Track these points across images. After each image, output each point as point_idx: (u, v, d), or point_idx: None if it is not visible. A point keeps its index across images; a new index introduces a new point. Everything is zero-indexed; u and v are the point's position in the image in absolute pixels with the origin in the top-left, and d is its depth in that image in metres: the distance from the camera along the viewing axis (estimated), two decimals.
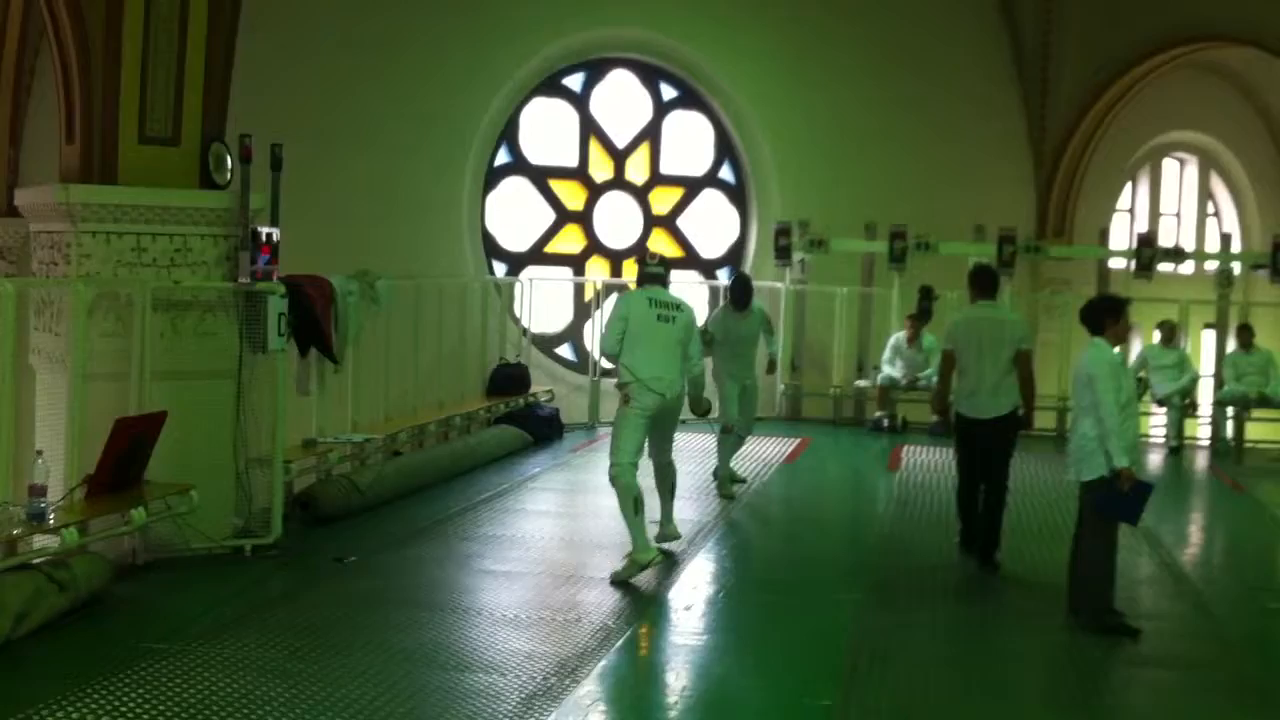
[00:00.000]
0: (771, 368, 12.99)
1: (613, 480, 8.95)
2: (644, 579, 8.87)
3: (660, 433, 9.38)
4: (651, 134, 18.51)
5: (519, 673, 6.86)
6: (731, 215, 19.02)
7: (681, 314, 9.24)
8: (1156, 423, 17.04)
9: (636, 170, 18.49)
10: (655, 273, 9.42)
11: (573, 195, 18.20)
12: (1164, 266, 17.96)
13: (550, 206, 18.06)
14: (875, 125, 18.77)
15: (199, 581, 8.61)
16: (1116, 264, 18.66)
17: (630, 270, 18.19)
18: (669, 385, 9.08)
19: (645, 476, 9.25)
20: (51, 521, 7.64)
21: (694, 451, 13.23)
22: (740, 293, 12.15)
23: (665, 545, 9.55)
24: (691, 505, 11.35)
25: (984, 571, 9.67)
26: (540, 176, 17.95)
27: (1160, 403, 16.46)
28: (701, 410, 9.82)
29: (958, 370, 9.93)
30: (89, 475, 8.25)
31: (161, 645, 7.06)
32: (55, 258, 9.16)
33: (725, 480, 12.08)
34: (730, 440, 12.09)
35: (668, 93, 18.51)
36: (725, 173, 18.93)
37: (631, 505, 8.85)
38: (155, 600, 8.27)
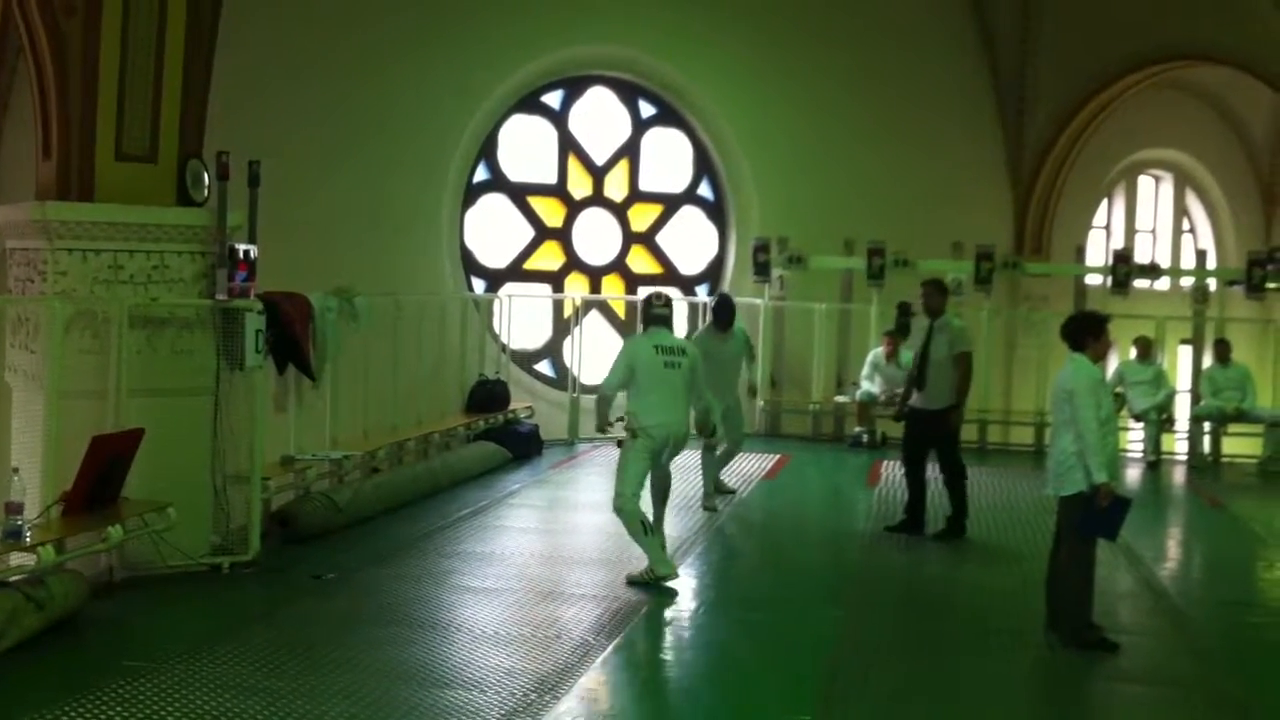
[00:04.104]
0: (751, 392, 12.89)
1: (617, 511, 9.22)
2: (626, 594, 8.86)
3: (666, 454, 9.59)
4: (630, 151, 18.53)
5: (499, 689, 6.84)
6: (710, 232, 19.06)
7: (687, 358, 9.40)
8: (1134, 438, 17.11)
9: (615, 187, 18.51)
10: (661, 314, 9.51)
11: (551, 212, 18.20)
12: (1140, 283, 18.08)
13: (529, 223, 18.06)
14: (854, 143, 18.83)
15: (176, 599, 8.58)
16: (1093, 280, 18.78)
17: (609, 287, 18.26)
18: (676, 427, 9.33)
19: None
20: (28, 539, 7.61)
21: (677, 467, 13.17)
22: (723, 314, 12.08)
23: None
24: (673, 521, 11.32)
25: (953, 541, 11.09)
26: (519, 193, 17.94)
27: (1137, 418, 16.53)
28: (708, 431, 10.29)
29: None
30: (66, 493, 8.20)
31: (139, 664, 7.02)
32: (31, 275, 9.12)
33: (710, 493, 12.06)
34: (712, 457, 12.07)
35: (646, 110, 18.55)
36: (704, 189, 18.96)
37: (640, 529, 9.14)
38: (132, 618, 8.23)
